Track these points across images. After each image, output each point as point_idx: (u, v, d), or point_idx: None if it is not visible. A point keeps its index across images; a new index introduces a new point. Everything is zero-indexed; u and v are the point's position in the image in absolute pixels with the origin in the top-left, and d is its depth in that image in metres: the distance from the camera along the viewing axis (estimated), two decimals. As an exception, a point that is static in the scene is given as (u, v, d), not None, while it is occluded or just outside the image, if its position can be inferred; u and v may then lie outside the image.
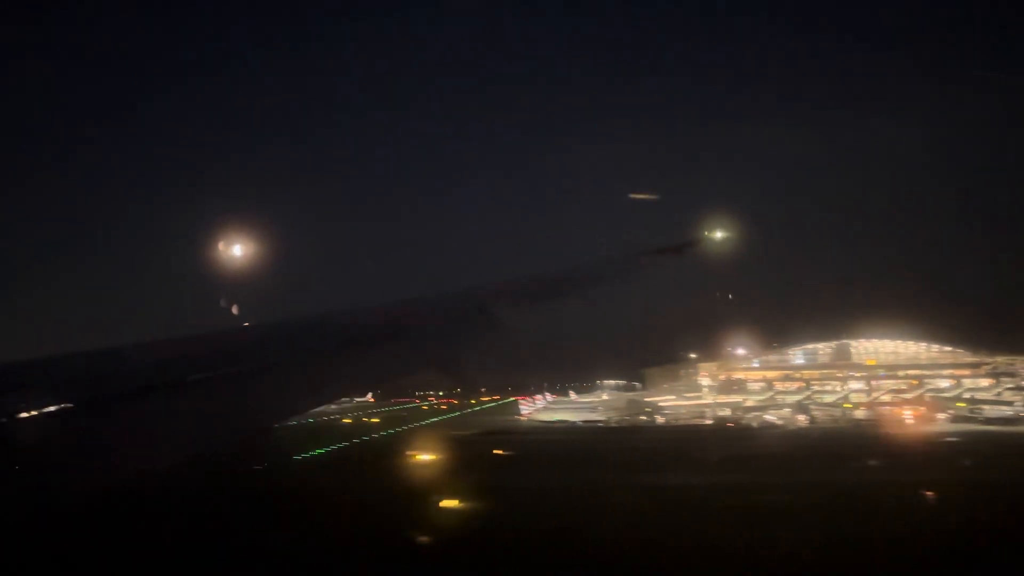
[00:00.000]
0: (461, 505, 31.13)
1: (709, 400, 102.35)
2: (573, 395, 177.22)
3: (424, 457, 50.24)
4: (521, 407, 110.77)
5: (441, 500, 31.33)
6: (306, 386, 4.50)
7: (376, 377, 5.84)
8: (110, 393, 3.64)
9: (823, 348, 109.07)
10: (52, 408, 3.37)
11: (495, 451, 58.02)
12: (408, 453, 51.21)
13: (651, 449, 58.03)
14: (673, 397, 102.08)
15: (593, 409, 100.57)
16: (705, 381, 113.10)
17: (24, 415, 3.30)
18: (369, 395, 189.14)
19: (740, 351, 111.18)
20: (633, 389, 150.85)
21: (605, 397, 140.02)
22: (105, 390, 3.66)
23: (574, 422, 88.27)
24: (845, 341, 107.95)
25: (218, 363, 4.36)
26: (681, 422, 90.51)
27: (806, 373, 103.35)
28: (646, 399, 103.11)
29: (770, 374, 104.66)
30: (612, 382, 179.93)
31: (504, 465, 51.02)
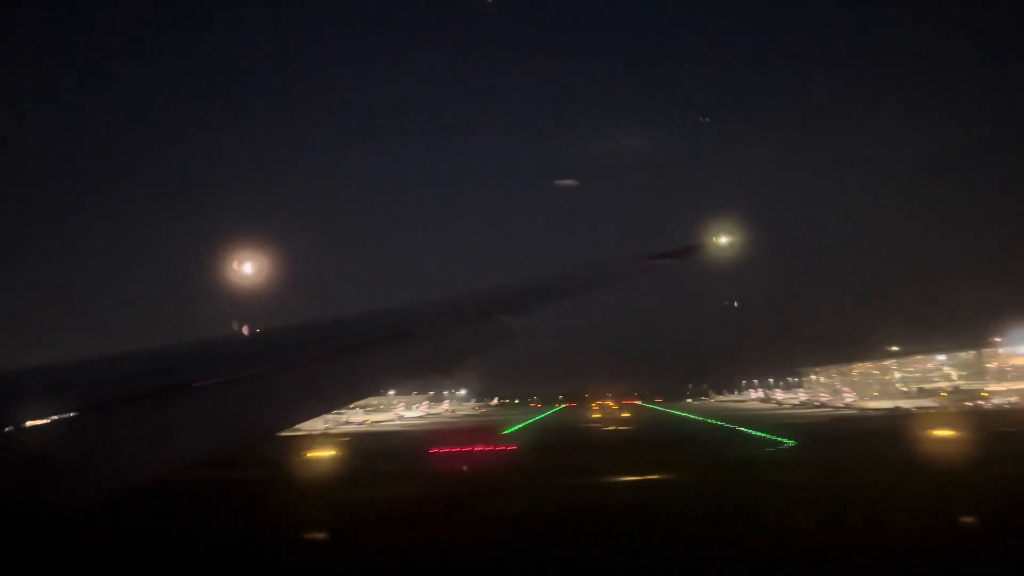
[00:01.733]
0: None
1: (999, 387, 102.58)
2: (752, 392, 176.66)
3: None
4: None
5: None
6: (311, 391, 4.46)
7: (381, 381, 5.77)
8: (115, 399, 3.60)
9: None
10: (57, 416, 3.31)
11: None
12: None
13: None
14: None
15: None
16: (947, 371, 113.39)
17: (29, 423, 3.21)
18: (496, 399, 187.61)
19: (997, 340, 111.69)
20: (798, 386, 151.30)
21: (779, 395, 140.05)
22: (110, 396, 3.62)
23: (907, 408, 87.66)
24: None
25: (224, 368, 4.33)
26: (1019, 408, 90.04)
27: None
28: (965, 388, 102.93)
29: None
30: (756, 381, 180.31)
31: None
